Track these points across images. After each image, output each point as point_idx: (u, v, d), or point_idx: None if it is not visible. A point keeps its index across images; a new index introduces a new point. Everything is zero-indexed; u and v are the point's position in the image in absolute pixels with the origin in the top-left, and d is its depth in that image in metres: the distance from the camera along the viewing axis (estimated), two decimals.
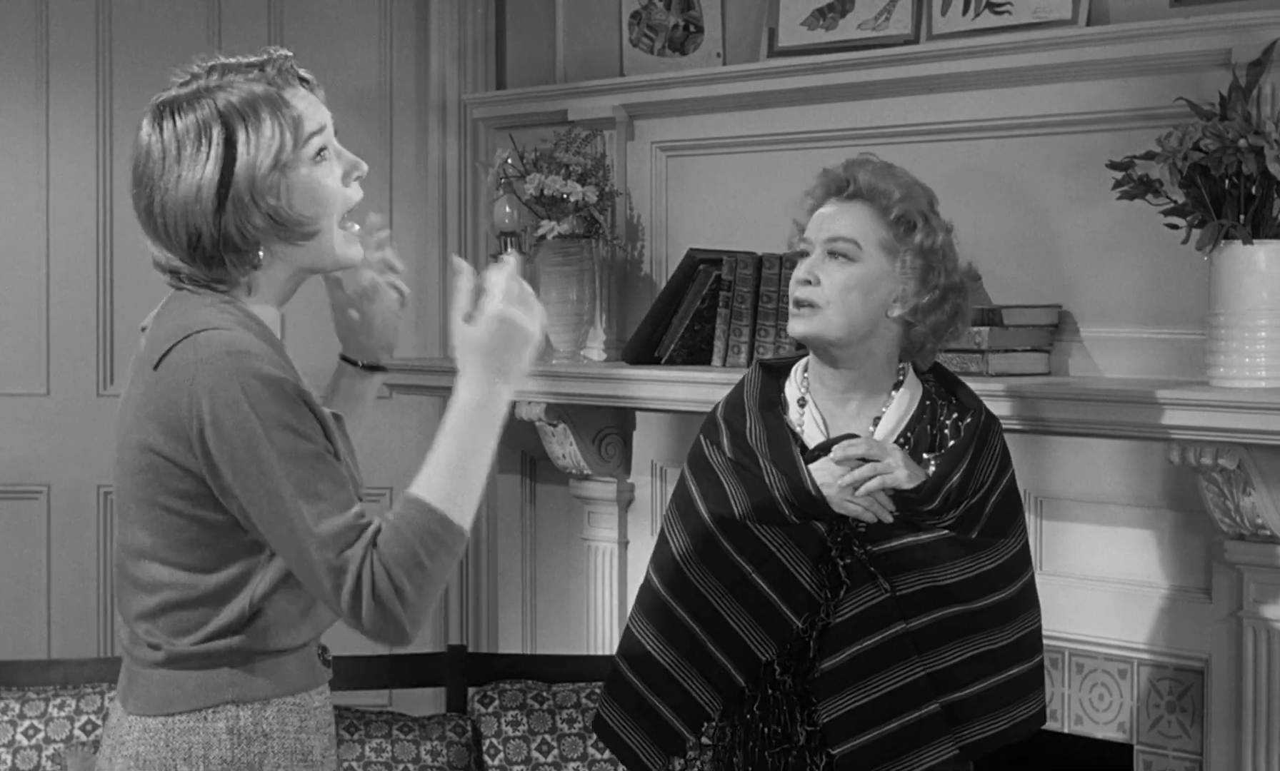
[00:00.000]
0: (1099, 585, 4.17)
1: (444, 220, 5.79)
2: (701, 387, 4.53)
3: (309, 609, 2.72)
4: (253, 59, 2.76)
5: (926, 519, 3.38)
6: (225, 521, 2.65)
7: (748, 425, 3.49)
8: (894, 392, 3.47)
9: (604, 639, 5.15)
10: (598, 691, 4.63)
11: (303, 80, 2.81)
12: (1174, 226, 3.81)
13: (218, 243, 2.67)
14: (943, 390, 3.53)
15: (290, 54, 2.79)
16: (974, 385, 4.02)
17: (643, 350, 4.79)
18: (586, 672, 4.75)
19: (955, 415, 3.47)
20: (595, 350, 5.14)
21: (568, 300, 5.06)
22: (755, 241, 4.71)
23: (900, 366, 3.49)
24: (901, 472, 3.36)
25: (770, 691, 3.46)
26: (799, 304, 3.42)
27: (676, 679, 3.49)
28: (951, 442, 3.44)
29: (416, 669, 4.90)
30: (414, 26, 5.85)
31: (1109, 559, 4.17)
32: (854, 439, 3.41)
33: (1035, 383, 4.04)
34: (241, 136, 2.67)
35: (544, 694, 4.64)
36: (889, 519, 3.38)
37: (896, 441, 3.43)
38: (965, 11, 4.44)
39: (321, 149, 2.76)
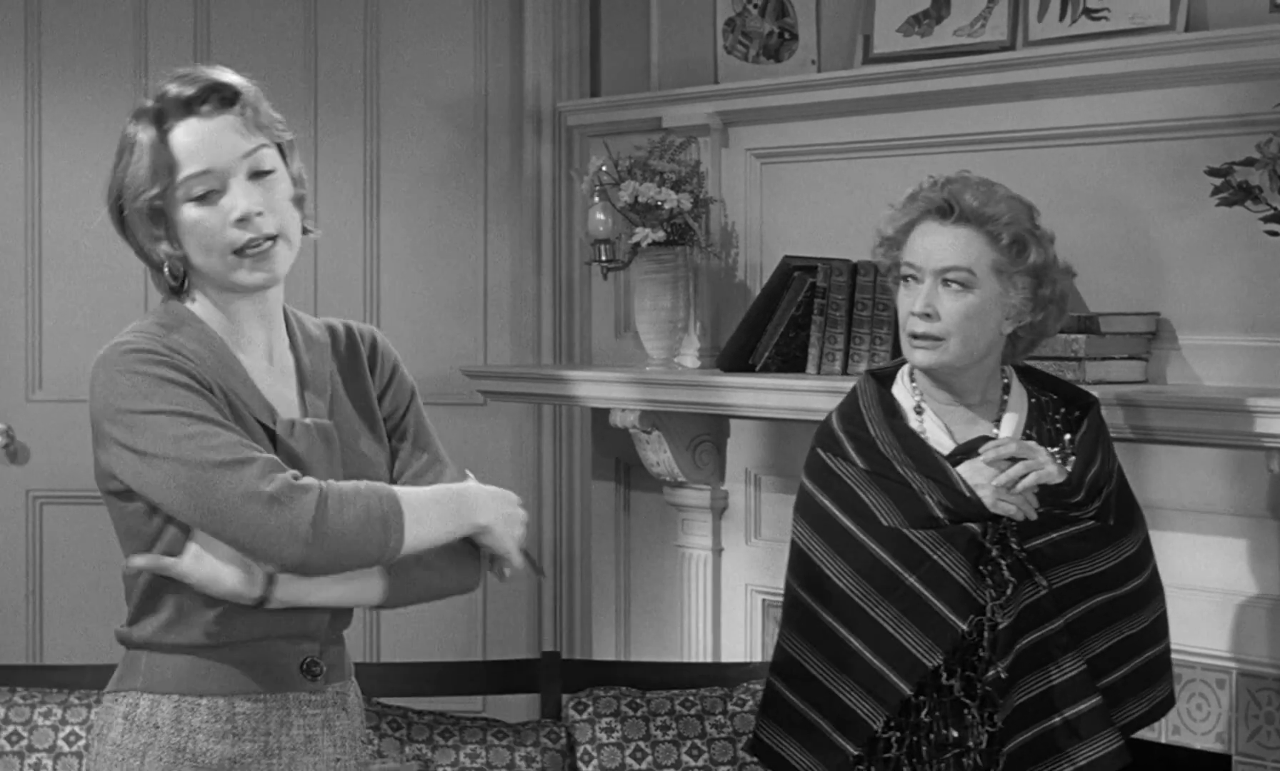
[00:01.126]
0: (1196, 594, 4.13)
1: (538, 228, 5.80)
2: (796, 395, 4.53)
3: (195, 609, 2.79)
4: (170, 89, 2.80)
5: (1072, 511, 3.44)
6: (138, 509, 2.77)
7: (874, 434, 3.51)
8: (1006, 396, 3.55)
9: (698, 646, 5.15)
10: (692, 697, 4.63)
11: (229, 102, 2.83)
12: (1273, 233, 3.78)
13: (137, 251, 2.83)
14: (1040, 387, 3.61)
15: (213, 80, 2.82)
16: None
17: (737, 357, 4.79)
18: (681, 679, 4.76)
19: (1062, 409, 3.56)
20: (689, 357, 5.14)
21: (662, 307, 5.06)
22: (850, 248, 4.70)
23: (1004, 369, 3.58)
24: (1052, 468, 3.43)
25: (937, 696, 3.46)
26: (918, 337, 3.47)
27: (836, 693, 3.50)
28: (1066, 436, 3.51)
29: (511, 675, 4.92)
30: (509, 35, 5.87)
31: (1206, 567, 4.13)
32: (1003, 440, 3.47)
33: (1132, 390, 4.01)
34: (123, 164, 2.80)
35: (638, 700, 4.64)
36: (1035, 516, 3.43)
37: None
38: (1062, 17, 4.41)
39: (208, 191, 2.79)
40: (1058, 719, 3.42)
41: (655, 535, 5.41)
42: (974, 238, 3.45)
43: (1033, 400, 3.57)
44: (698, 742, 4.61)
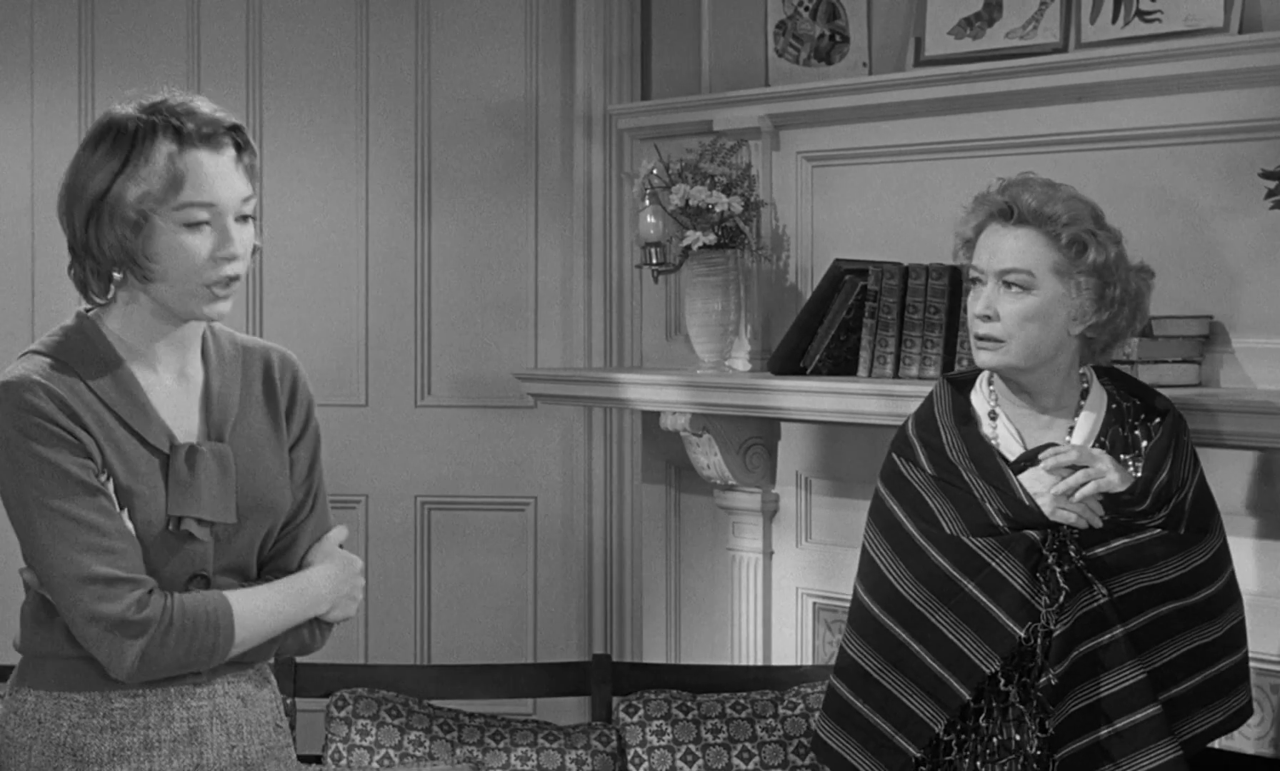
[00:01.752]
0: (1255, 599, 4.11)
1: (589, 231, 5.81)
2: (847, 398, 4.52)
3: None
4: (200, 111, 2.90)
5: (1137, 519, 3.43)
6: None
7: (945, 440, 3.53)
8: (1083, 401, 3.54)
9: (748, 649, 5.15)
10: (743, 701, 4.63)
11: (242, 148, 2.92)
12: None
13: (82, 243, 2.88)
14: (1124, 392, 3.59)
15: (240, 126, 2.92)
16: None
17: (788, 360, 4.78)
18: (732, 682, 4.75)
19: (1143, 415, 3.54)
20: (740, 360, 5.14)
21: (712, 310, 5.06)
22: (901, 251, 4.69)
23: (1083, 372, 3.56)
24: (1114, 476, 3.41)
25: (995, 702, 3.46)
26: (980, 339, 3.48)
27: (898, 696, 3.51)
28: (1144, 443, 3.50)
29: (562, 678, 4.92)
30: (560, 38, 5.87)
31: (1257, 571, 4.11)
32: (1062, 448, 3.46)
33: (1186, 394, 3.99)
34: (131, 163, 2.85)
35: (689, 703, 4.64)
36: (1099, 524, 3.42)
37: (1094, 447, 3.49)
38: (1115, 19, 4.40)
39: (201, 221, 2.87)
40: (1110, 728, 3.40)
41: (706, 538, 5.41)
42: (1034, 239, 3.45)
43: (1113, 405, 3.55)
44: (749, 745, 4.60)
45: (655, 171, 5.07)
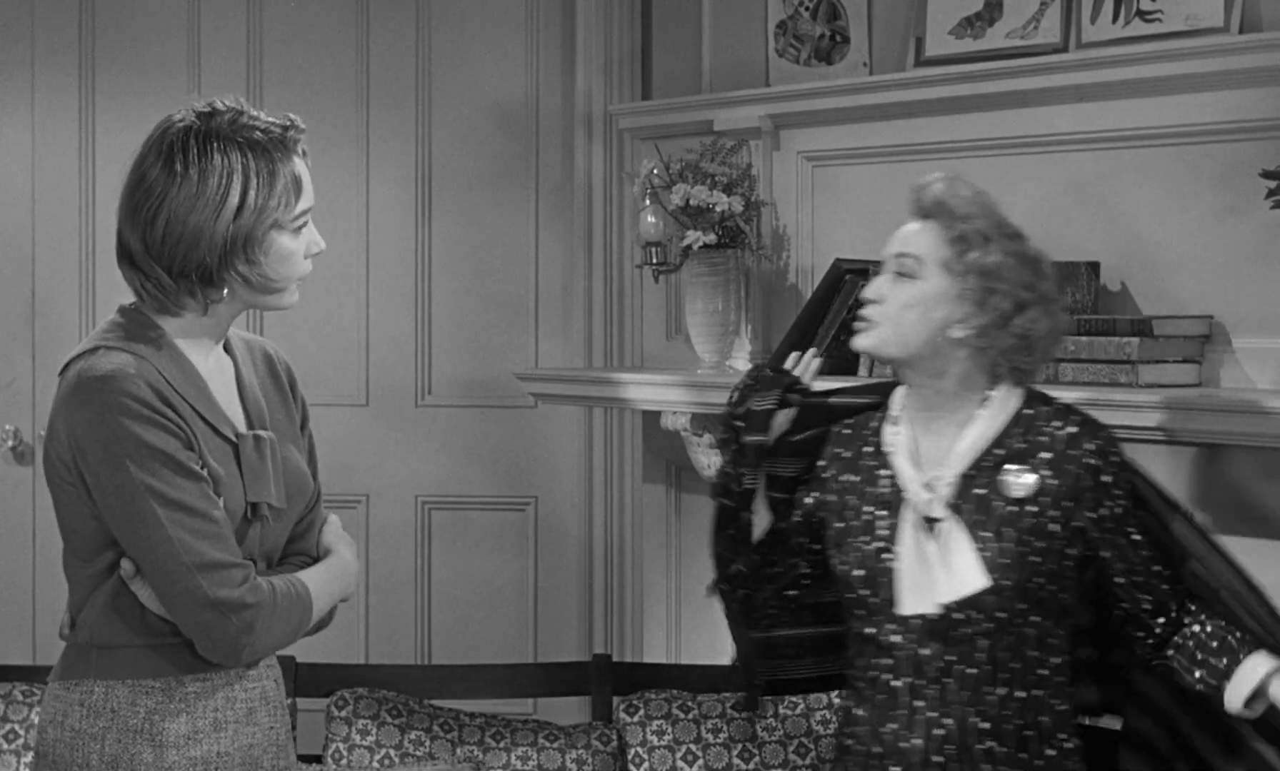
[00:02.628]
0: None
1: (589, 231, 5.81)
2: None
3: (142, 609, 2.98)
4: (274, 120, 3.00)
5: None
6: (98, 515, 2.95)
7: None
8: (979, 412, 3.42)
9: None
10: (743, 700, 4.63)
11: (305, 153, 3.05)
12: None
13: (200, 271, 2.94)
14: (1047, 405, 3.46)
15: (305, 128, 3.03)
16: (1121, 395, 3.99)
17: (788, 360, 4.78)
18: (731, 682, 4.75)
19: (1056, 422, 3.40)
20: (740, 360, 5.14)
21: (713, 310, 5.06)
22: None
23: (992, 385, 3.43)
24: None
25: None
26: (860, 319, 3.46)
27: None
28: (1045, 453, 3.37)
29: (562, 677, 4.93)
30: (560, 39, 5.88)
31: (1260, 571, 4.11)
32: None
33: (1186, 394, 4.00)
34: (255, 184, 2.93)
35: (689, 703, 4.64)
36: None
37: (986, 459, 3.38)
38: (1115, 19, 4.40)
39: (304, 224, 3.02)
40: None
41: (706, 537, 5.40)
42: (929, 229, 3.42)
43: (1029, 411, 3.42)
44: (749, 745, 4.60)
45: (656, 171, 5.07)
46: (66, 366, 2.98)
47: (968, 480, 3.38)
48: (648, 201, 5.09)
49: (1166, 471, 4.13)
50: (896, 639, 3.37)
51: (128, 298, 3.08)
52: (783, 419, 3.58)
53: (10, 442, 5.96)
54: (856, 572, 3.43)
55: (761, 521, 3.62)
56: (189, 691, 2.99)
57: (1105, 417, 3.98)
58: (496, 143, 5.95)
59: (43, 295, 5.98)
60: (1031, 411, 3.42)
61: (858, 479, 3.50)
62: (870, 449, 3.51)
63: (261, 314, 5.88)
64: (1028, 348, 3.39)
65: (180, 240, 2.92)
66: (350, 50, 5.96)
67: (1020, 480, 3.35)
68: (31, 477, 5.95)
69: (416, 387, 6.02)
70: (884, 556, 3.41)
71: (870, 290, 3.45)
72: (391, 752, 4.65)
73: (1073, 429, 3.38)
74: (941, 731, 3.34)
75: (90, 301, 5.95)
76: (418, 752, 4.65)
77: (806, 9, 5.13)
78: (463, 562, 6.00)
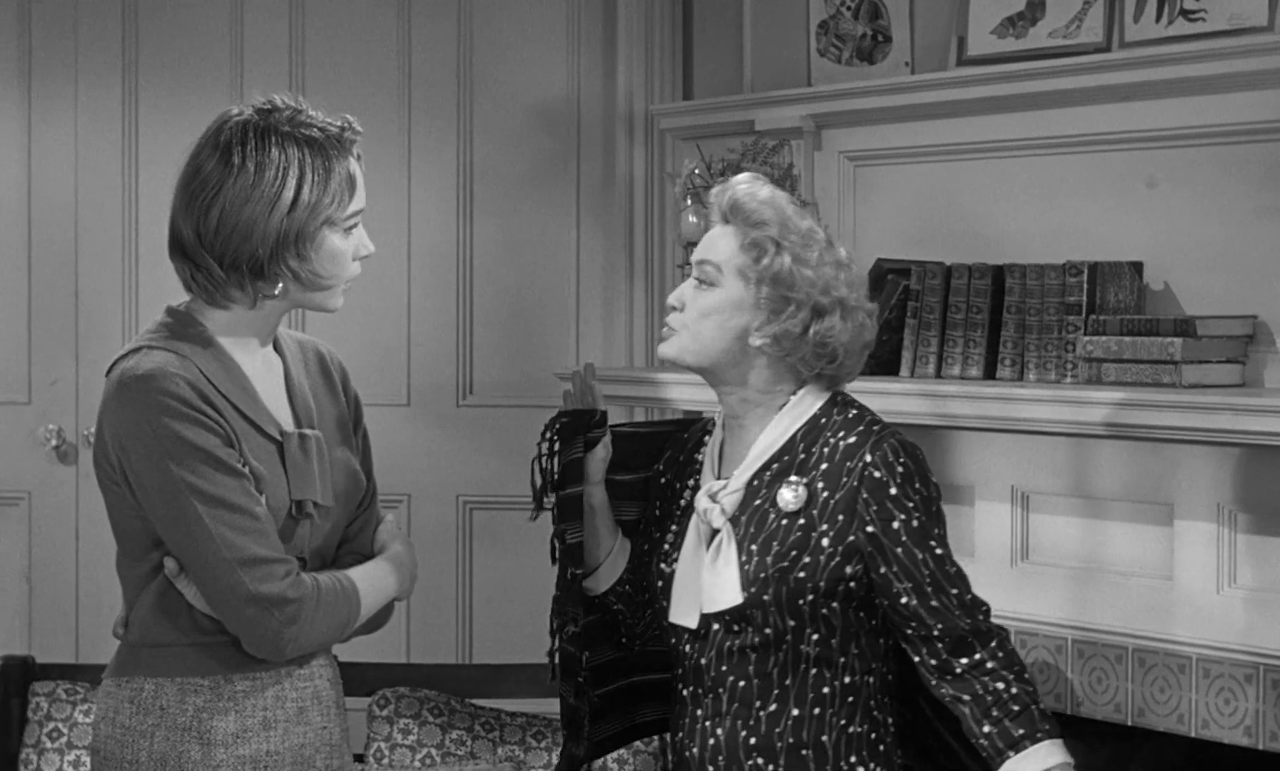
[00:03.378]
0: (1272, 595, 4.11)
1: (630, 231, 5.81)
2: (889, 398, 4.51)
3: (191, 608, 3.00)
4: (332, 120, 3.05)
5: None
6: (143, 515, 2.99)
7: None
8: (776, 417, 3.31)
9: None
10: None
11: (359, 156, 3.09)
12: None
13: (251, 264, 2.96)
14: (842, 413, 3.33)
15: (362, 131, 3.08)
16: (1165, 396, 3.97)
17: None
18: None
19: (841, 433, 3.27)
20: None
21: None
22: (944, 251, 4.68)
23: (794, 390, 3.32)
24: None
25: None
26: (664, 326, 3.37)
27: None
28: (824, 465, 3.24)
29: None
30: (601, 39, 5.88)
31: None
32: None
33: (1230, 395, 3.98)
34: (310, 180, 2.96)
35: None
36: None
37: (769, 468, 3.28)
38: (1159, 18, 4.38)
39: (355, 224, 3.05)
40: None
41: None
42: (728, 236, 3.31)
43: (823, 418, 3.30)
44: None
45: (697, 171, 5.07)
46: (112, 367, 3.00)
47: (752, 490, 3.28)
48: (689, 201, 5.08)
49: (1210, 473, 4.12)
50: (686, 648, 3.30)
51: (170, 297, 3.10)
52: (602, 455, 3.43)
53: (54, 442, 5.99)
54: (655, 580, 3.37)
55: (609, 575, 3.47)
56: (238, 690, 3.00)
57: (1148, 419, 3.98)
58: (538, 143, 5.95)
59: (86, 295, 6.00)
60: (825, 418, 3.29)
61: (678, 484, 3.44)
62: (699, 455, 3.44)
63: (304, 313, 5.90)
64: (829, 355, 3.28)
65: (234, 231, 2.93)
66: (392, 51, 5.96)
67: (795, 493, 3.23)
68: (75, 477, 5.97)
69: (458, 387, 6.02)
70: (664, 563, 3.35)
71: (672, 297, 3.35)
72: (433, 752, 4.66)
73: (852, 440, 3.24)
74: (714, 741, 3.25)
75: (133, 301, 5.97)
76: (459, 752, 4.66)
77: (848, 8, 5.12)
78: (504, 562, 6.00)
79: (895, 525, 3.19)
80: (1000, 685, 3.18)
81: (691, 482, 3.39)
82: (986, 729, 3.17)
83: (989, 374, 4.48)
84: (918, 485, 3.22)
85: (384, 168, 5.96)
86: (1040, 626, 4.43)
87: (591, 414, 3.41)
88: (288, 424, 3.05)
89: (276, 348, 3.12)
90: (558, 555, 3.42)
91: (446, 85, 5.97)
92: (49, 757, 4.77)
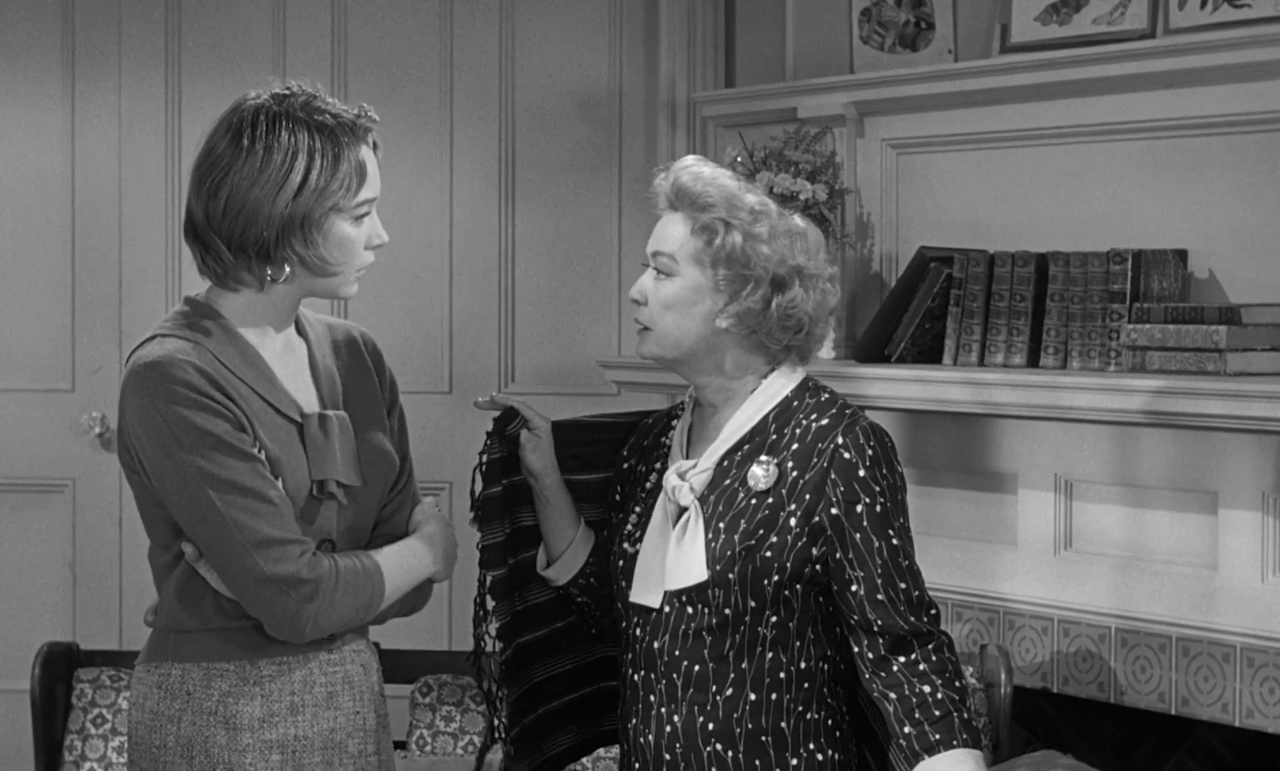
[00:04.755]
0: None
1: None
2: (932, 386, 4.51)
3: (217, 593, 3.01)
4: (347, 108, 3.03)
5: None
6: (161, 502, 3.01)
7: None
8: (749, 397, 3.27)
9: None
10: None
11: (375, 145, 3.07)
12: None
13: (258, 247, 2.96)
14: (814, 397, 3.28)
15: (378, 119, 3.06)
16: (1209, 384, 3.96)
17: (873, 348, 4.77)
18: None
19: (814, 415, 3.21)
20: (825, 348, 5.12)
21: None
22: (987, 239, 4.67)
23: (767, 369, 3.27)
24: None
25: None
26: (635, 322, 3.31)
27: None
28: (794, 445, 3.20)
29: None
30: (643, 26, 5.88)
31: None
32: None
33: (1275, 383, 3.96)
34: (318, 165, 2.95)
35: None
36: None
37: (740, 448, 3.23)
38: (1203, 5, 4.36)
39: (365, 213, 3.03)
40: None
41: None
42: (678, 223, 3.26)
43: (794, 401, 3.24)
44: None
45: (739, 159, 5.07)
46: (130, 357, 3.03)
47: (721, 470, 3.23)
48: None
49: (1255, 461, 4.11)
50: (637, 631, 3.25)
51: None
52: (533, 444, 3.39)
53: (97, 429, 6.01)
54: (616, 561, 3.32)
55: (569, 566, 3.41)
56: (263, 674, 3.01)
57: (1192, 407, 3.97)
58: (579, 131, 5.95)
59: (129, 283, 6.02)
60: (797, 401, 3.25)
61: (643, 467, 3.39)
62: (665, 439, 3.39)
63: (345, 300, 5.91)
64: (795, 326, 3.23)
65: (240, 213, 2.95)
66: (434, 38, 5.97)
67: (765, 471, 3.18)
68: (117, 465, 6.00)
69: (500, 375, 6.03)
70: (627, 544, 3.30)
71: (634, 290, 3.29)
72: (475, 739, 4.66)
73: (824, 422, 3.19)
74: (670, 728, 3.20)
75: (176, 289, 5.99)
76: None
77: None
78: None
79: (859, 508, 3.15)
80: (927, 688, 3.12)
81: (658, 466, 3.35)
82: (906, 730, 3.12)
83: (1032, 362, 4.47)
84: (884, 470, 3.18)
85: (426, 156, 5.97)
86: (1083, 615, 4.42)
87: (507, 417, 3.37)
88: (311, 405, 3.05)
89: (300, 331, 3.13)
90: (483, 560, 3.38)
91: (488, 73, 5.97)
92: (93, 743, 4.79)
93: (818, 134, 5.12)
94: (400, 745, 4.76)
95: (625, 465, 3.44)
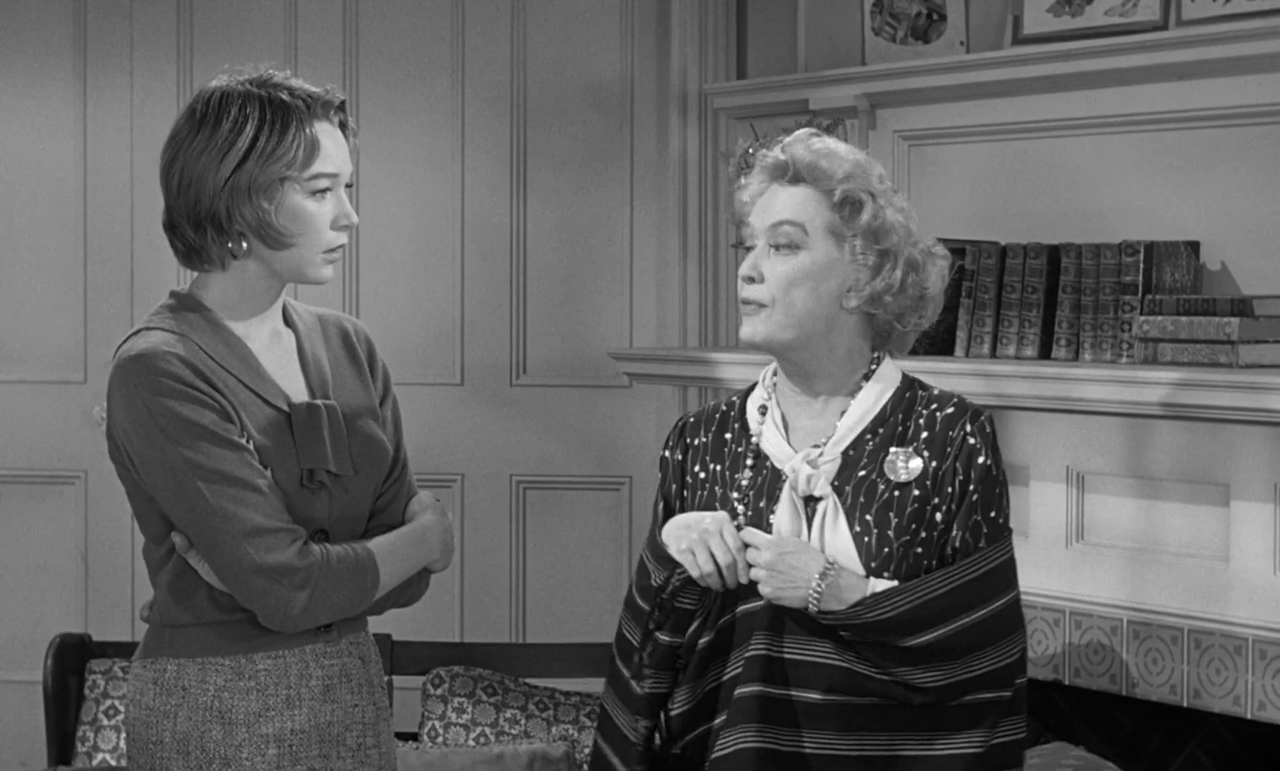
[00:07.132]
0: None
1: (684, 210, 5.81)
2: (944, 378, 4.49)
3: (211, 587, 3.01)
4: (312, 88, 3.04)
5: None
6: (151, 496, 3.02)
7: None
8: (864, 384, 3.14)
9: None
10: None
11: (344, 126, 3.07)
12: None
13: (211, 218, 2.97)
14: (924, 389, 3.19)
15: (345, 100, 3.07)
16: (1221, 376, 3.95)
17: None
18: None
19: (935, 405, 3.12)
20: None
21: None
22: (999, 231, 4.67)
23: (875, 355, 3.17)
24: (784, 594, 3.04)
25: None
26: (745, 304, 3.12)
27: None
28: (924, 433, 3.10)
29: None
30: (655, 18, 5.87)
31: None
32: (761, 535, 3.09)
33: None
34: (264, 134, 2.96)
35: None
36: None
37: (868, 438, 3.11)
38: None
39: (325, 189, 3.01)
40: None
41: None
42: (808, 195, 3.11)
43: (907, 392, 3.15)
44: None
45: (751, 150, 5.06)
46: (116, 351, 3.04)
47: (849, 460, 3.10)
48: (742, 180, 5.07)
49: (1267, 453, 4.10)
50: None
51: None
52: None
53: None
54: None
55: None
56: (259, 669, 3.01)
57: (1205, 399, 3.97)
58: (591, 122, 5.95)
59: (141, 274, 6.03)
60: (910, 393, 3.14)
61: (722, 466, 3.21)
62: (731, 435, 3.22)
63: (356, 293, 5.92)
64: (922, 306, 3.14)
65: (190, 184, 2.97)
66: (445, 29, 5.97)
67: (908, 464, 3.07)
68: None
69: (511, 367, 6.03)
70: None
71: (747, 267, 3.13)
72: (487, 730, 4.67)
73: (950, 411, 3.10)
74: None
75: (187, 281, 5.97)
76: (513, 731, 4.67)
77: None
78: (557, 542, 6.01)
79: (975, 496, 3.06)
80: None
81: (749, 462, 3.16)
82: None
83: (1044, 354, 4.47)
84: (1000, 463, 3.11)
85: (437, 148, 5.97)
86: (1095, 607, 4.42)
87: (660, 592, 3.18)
88: (299, 395, 3.06)
89: (289, 322, 3.14)
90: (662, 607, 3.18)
91: (500, 65, 5.97)
92: (105, 735, 4.80)
93: (829, 126, 5.11)
94: (412, 736, 4.76)
95: (686, 475, 3.25)
